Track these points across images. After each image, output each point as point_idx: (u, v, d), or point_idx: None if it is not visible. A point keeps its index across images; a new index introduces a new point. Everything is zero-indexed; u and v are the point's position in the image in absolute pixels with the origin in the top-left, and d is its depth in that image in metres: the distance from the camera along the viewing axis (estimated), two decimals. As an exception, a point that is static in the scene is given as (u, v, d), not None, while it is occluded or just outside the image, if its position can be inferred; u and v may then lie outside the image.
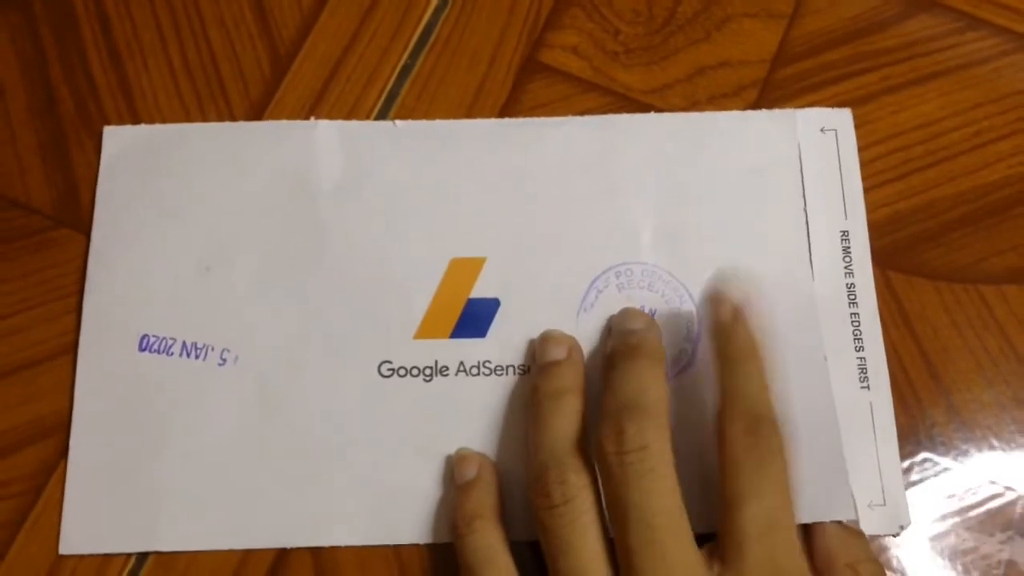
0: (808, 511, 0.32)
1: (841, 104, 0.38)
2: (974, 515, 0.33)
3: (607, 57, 0.39)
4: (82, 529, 0.33)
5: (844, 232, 0.36)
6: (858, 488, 0.33)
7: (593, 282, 0.35)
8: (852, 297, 0.35)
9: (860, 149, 0.37)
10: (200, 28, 0.39)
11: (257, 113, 0.38)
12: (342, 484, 0.33)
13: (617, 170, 0.36)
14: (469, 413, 0.34)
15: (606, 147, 0.37)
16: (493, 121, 0.38)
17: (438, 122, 0.37)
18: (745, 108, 0.38)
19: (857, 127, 0.37)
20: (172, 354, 0.35)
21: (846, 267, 0.35)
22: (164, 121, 0.38)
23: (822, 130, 0.37)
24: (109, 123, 0.38)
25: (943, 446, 0.34)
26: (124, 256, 0.36)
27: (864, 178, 0.37)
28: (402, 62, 0.39)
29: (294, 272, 0.35)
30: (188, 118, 0.38)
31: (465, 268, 0.35)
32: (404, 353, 0.35)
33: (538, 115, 0.38)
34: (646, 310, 0.35)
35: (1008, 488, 0.34)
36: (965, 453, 0.34)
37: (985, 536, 0.33)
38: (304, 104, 0.38)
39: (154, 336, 0.35)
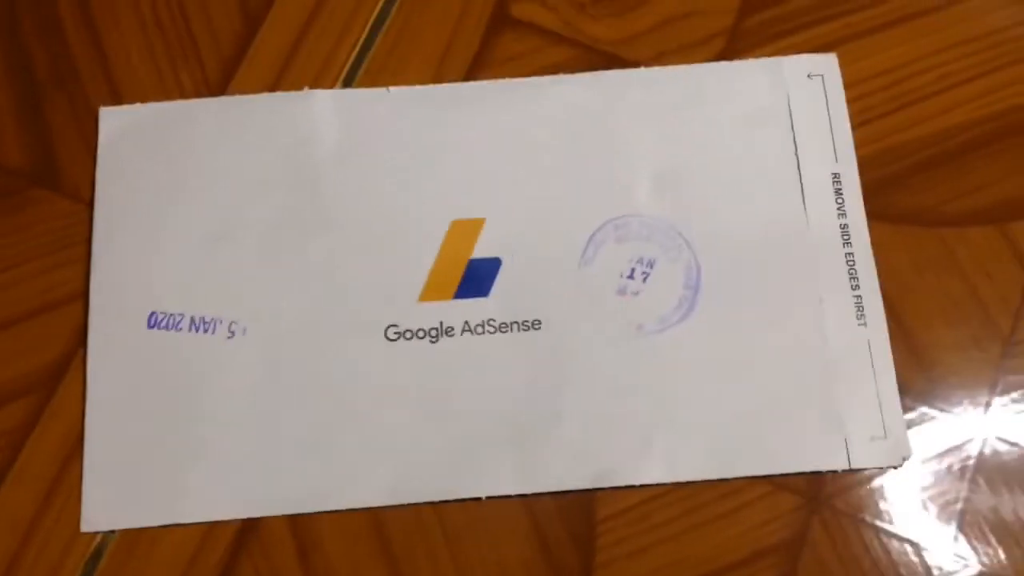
0: (798, 459, 0.33)
1: (806, 52, 0.38)
2: (951, 452, 0.34)
3: (575, 9, 0.39)
4: (103, 507, 0.34)
5: (835, 175, 0.36)
6: (859, 422, 0.34)
7: (592, 235, 0.36)
8: (846, 237, 0.36)
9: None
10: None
11: (230, 70, 0.38)
12: (355, 448, 0.34)
13: (611, 126, 0.37)
14: (475, 372, 0.35)
15: (600, 104, 0.37)
16: (487, 83, 0.38)
17: (431, 87, 0.38)
18: (713, 57, 0.38)
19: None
20: (180, 329, 0.35)
21: (839, 208, 0.36)
22: (138, 83, 0.38)
23: (809, 76, 0.37)
24: (84, 86, 0.38)
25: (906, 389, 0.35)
26: (128, 236, 0.36)
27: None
28: (373, 16, 0.39)
29: (298, 242, 0.36)
30: (160, 77, 0.38)
31: (465, 229, 0.36)
32: (409, 316, 0.35)
33: (509, 68, 0.38)
34: (644, 260, 0.35)
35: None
36: (928, 394, 0.35)
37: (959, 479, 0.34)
38: (276, 61, 0.39)
39: (162, 313, 0.35)
